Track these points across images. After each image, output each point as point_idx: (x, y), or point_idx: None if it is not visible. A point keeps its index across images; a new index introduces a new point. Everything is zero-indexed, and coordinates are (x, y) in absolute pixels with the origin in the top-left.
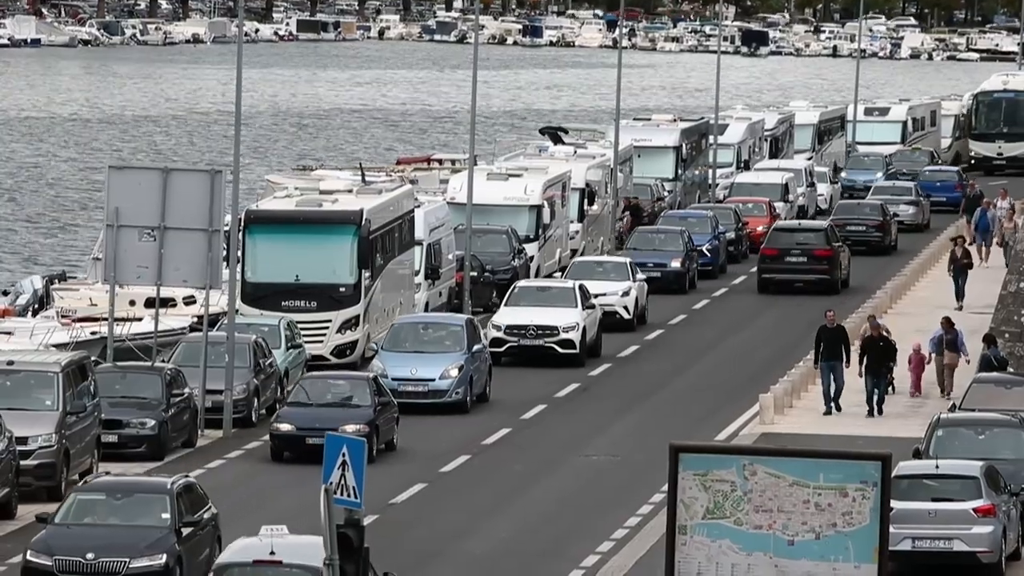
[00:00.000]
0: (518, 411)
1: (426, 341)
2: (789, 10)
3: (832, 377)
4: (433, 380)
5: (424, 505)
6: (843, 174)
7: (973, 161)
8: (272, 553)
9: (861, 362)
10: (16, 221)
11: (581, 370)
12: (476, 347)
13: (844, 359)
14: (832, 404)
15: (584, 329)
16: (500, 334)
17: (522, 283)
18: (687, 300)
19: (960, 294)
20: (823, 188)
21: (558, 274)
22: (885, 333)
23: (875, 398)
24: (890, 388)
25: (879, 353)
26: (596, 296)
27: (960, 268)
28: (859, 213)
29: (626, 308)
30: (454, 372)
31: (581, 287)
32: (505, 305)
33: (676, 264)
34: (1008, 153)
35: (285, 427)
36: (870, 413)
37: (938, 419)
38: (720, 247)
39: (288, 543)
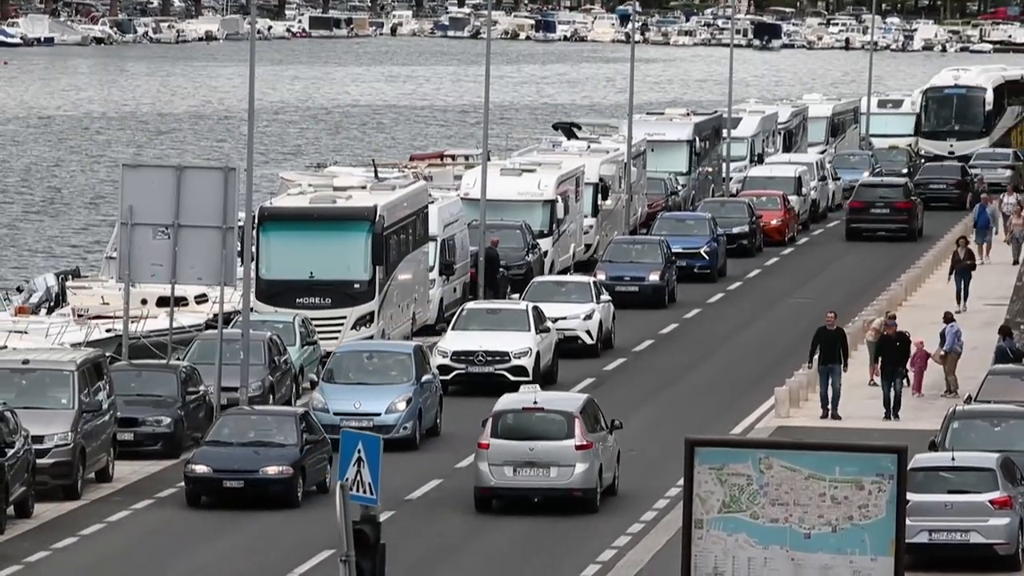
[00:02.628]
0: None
1: (371, 371)
2: (801, 2)
3: (829, 381)
4: (379, 414)
5: (437, 502)
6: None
7: (924, 161)
8: (535, 402)
9: (876, 362)
10: (29, 219)
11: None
12: (425, 377)
13: (843, 363)
14: (830, 409)
15: (538, 355)
16: (447, 360)
17: (471, 305)
18: (710, 288)
19: (961, 296)
20: (830, 183)
21: (516, 296)
22: (902, 333)
23: (891, 401)
24: (905, 381)
25: (896, 354)
26: (556, 320)
27: (963, 270)
28: (941, 173)
29: (588, 333)
30: (402, 405)
31: (535, 309)
32: (452, 329)
33: (654, 277)
34: (960, 152)
35: (201, 469)
36: (887, 416)
37: (954, 411)
38: (719, 249)
39: (545, 396)
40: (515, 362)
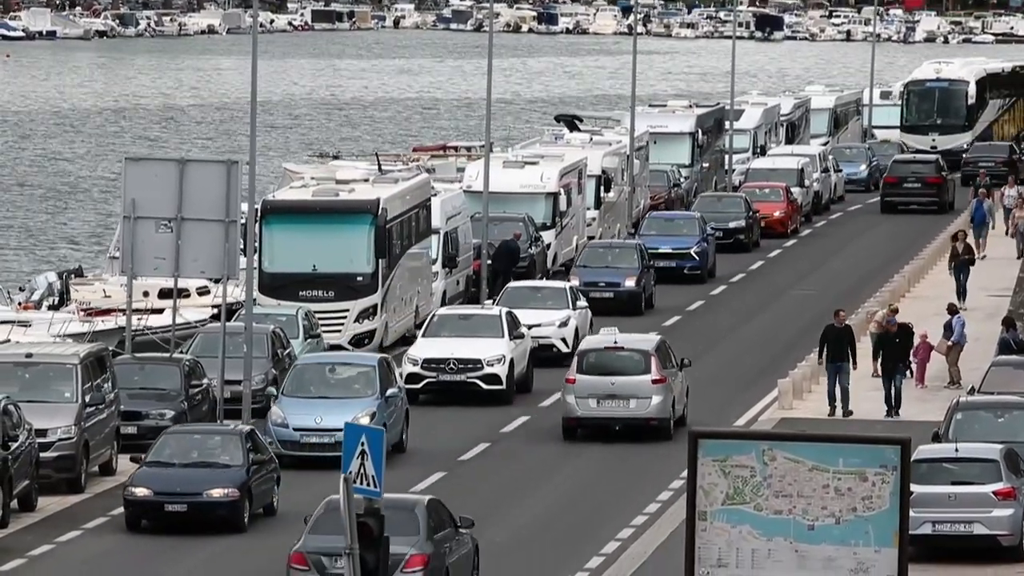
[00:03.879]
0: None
1: (333, 384)
2: None
3: (837, 379)
4: (341, 430)
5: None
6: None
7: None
8: (616, 342)
9: (876, 358)
10: (31, 214)
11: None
12: (391, 391)
13: (851, 361)
14: (840, 406)
15: (512, 362)
16: (417, 369)
17: (442, 311)
18: (695, 291)
19: (962, 292)
20: (832, 175)
21: (488, 301)
22: (906, 325)
23: (892, 398)
24: (908, 373)
25: (897, 350)
26: (530, 327)
27: (961, 264)
28: (991, 152)
29: (564, 340)
30: (365, 420)
31: (509, 314)
32: (423, 336)
33: (630, 283)
34: (943, 146)
35: (141, 491)
36: (888, 414)
37: (957, 402)
38: (708, 249)
39: (624, 336)
40: (488, 370)
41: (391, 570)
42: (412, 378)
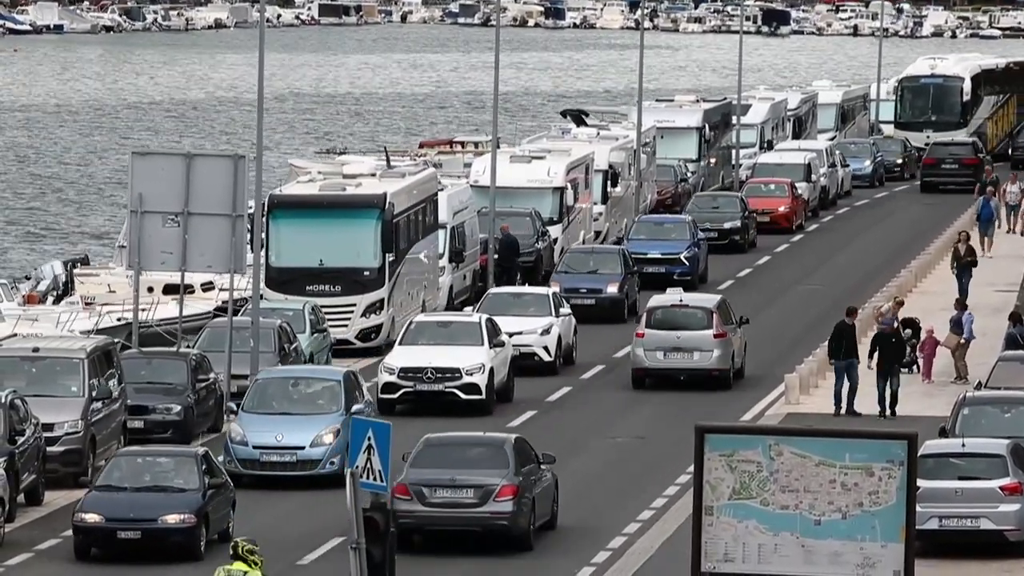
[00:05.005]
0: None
1: (296, 400)
2: None
3: (846, 376)
4: (303, 448)
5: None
6: None
7: (916, 151)
8: (681, 300)
9: (871, 357)
10: (38, 206)
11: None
12: (356, 406)
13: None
14: (846, 405)
15: (491, 371)
16: (393, 378)
17: (420, 318)
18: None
19: (963, 293)
20: (839, 170)
21: (469, 308)
22: (899, 327)
23: (887, 399)
24: (914, 368)
25: (892, 351)
26: (511, 335)
27: (964, 266)
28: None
29: (546, 348)
30: (329, 438)
31: (489, 321)
32: (399, 344)
33: (612, 289)
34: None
35: (92, 518)
36: (881, 414)
37: (964, 398)
38: (700, 254)
39: (689, 295)
40: (467, 379)
41: (485, 499)
42: (388, 388)
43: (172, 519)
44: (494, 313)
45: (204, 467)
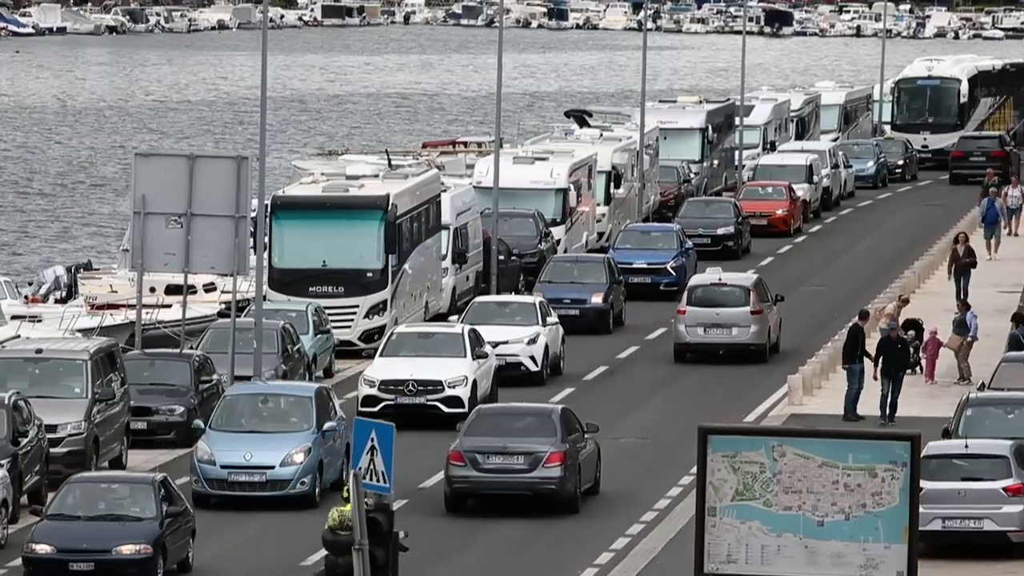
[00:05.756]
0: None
1: (265, 417)
2: None
3: (859, 379)
4: (272, 467)
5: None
6: None
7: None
8: (720, 279)
9: (876, 364)
10: (41, 209)
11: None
12: (328, 424)
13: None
14: (854, 409)
15: (475, 383)
16: (374, 391)
17: (401, 328)
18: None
19: (961, 295)
20: (842, 171)
21: (453, 317)
22: (915, 320)
23: (889, 406)
24: (917, 369)
25: (897, 356)
26: (497, 344)
27: (962, 268)
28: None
29: (532, 358)
30: (299, 457)
31: (472, 332)
32: (380, 355)
33: (597, 300)
34: (934, 145)
35: (43, 549)
36: (883, 418)
37: (967, 399)
38: (687, 264)
39: (728, 274)
40: (449, 392)
41: (534, 465)
42: (369, 401)
43: (127, 550)
44: (479, 322)
45: (162, 494)
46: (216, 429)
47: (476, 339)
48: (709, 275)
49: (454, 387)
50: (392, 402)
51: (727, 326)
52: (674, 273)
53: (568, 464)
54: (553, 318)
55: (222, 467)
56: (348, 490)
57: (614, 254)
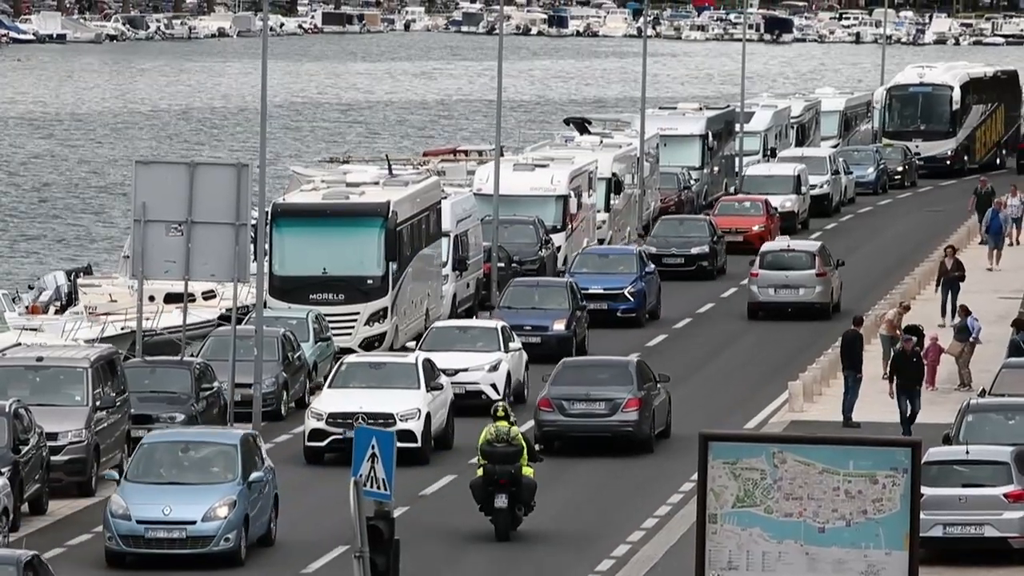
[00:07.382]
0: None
1: (186, 467)
2: None
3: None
4: (194, 523)
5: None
6: None
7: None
8: (788, 245)
9: (892, 380)
10: (41, 216)
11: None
12: (255, 474)
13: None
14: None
15: (428, 416)
16: (321, 424)
17: (351, 358)
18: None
19: (947, 309)
20: (843, 178)
21: (412, 343)
22: (916, 327)
23: (908, 420)
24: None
25: (913, 370)
26: (457, 371)
27: (951, 281)
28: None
29: (494, 386)
30: (223, 511)
31: (427, 362)
32: (329, 386)
33: (559, 327)
34: (926, 153)
35: None
36: (904, 433)
37: (968, 405)
38: (647, 289)
39: (796, 241)
40: (401, 425)
41: (614, 410)
42: (316, 435)
43: None
44: (439, 348)
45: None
46: (132, 480)
47: (431, 369)
48: (779, 243)
49: (406, 420)
50: (340, 436)
51: (795, 287)
52: (632, 299)
53: (644, 409)
54: (516, 343)
55: (138, 522)
56: (500, 408)
57: (571, 278)
